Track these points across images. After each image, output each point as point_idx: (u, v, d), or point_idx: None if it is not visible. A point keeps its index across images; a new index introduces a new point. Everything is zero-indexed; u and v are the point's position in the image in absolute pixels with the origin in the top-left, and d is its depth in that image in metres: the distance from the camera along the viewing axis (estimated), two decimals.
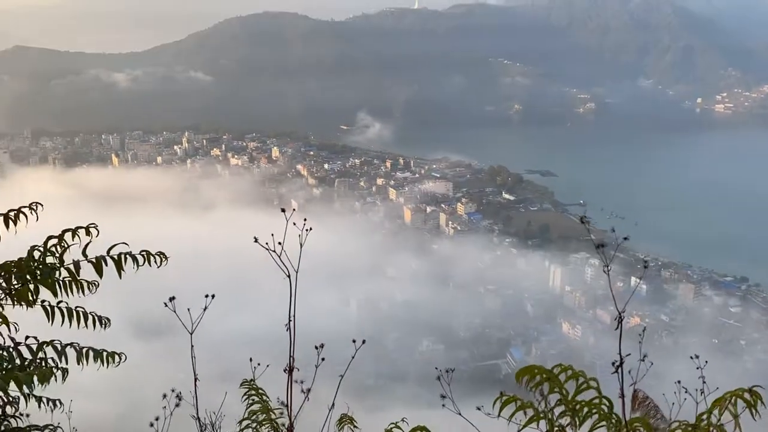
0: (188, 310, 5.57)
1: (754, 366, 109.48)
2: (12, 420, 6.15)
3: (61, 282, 5.93)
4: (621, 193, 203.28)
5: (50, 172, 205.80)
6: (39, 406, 6.23)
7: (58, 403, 6.48)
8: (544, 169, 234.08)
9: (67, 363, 6.07)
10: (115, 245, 5.95)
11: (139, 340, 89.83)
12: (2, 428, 6.06)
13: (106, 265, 5.90)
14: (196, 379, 5.69)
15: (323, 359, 5.51)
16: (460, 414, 5.07)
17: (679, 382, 5.17)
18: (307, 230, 5.65)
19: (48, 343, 6.01)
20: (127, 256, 5.95)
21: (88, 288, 6.00)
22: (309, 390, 5.45)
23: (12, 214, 6.10)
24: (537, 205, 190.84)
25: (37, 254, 5.93)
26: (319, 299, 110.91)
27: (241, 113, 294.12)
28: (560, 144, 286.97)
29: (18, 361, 5.90)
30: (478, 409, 4.82)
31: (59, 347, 6.05)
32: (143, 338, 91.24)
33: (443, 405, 5.17)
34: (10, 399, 6.08)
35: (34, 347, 5.99)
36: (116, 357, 6.26)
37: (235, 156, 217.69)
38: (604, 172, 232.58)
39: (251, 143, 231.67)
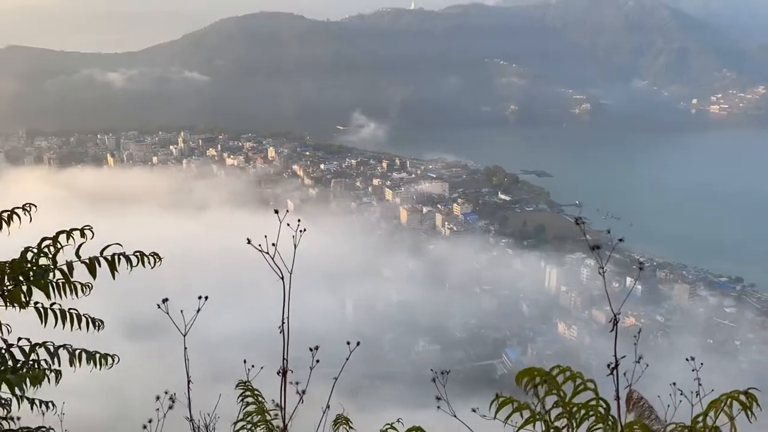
0: (181, 312, 5.54)
1: (749, 366, 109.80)
2: (4, 422, 6.10)
3: (54, 283, 5.90)
4: (616, 194, 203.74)
5: (45, 172, 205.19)
6: (31, 408, 6.19)
7: (50, 405, 6.44)
8: (540, 170, 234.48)
9: (59, 365, 6.04)
10: (108, 246, 5.91)
11: (132, 341, 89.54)
12: None
13: (99, 266, 5.87)
14: (189, 381, 5.66)
15: (318, 361, 5.49)
16: (455, 416, 5.06)
17: (674, 384, 5.16)
18: (301, 231, 5.63)
19: (41, 345, 5.98)
20: (121, 256, 5.92)
21: (82, 290, 5.96)
22: (304, 392, 5.43)
23: (5, 215, 6.06)
24: (533, 205, 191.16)
25: (30, 255, 5.89)
26: (315, 300, 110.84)
27: (237, 113, 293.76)
28: (556, 144, 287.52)
29: (10, 363, 5.86)
30: (474, 411, 4.80)
31: (52, 349, 6.01)
32: (136, 339, 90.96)
33: (438, 407, 5.16)
34: (2, 401, 6.03)
35: (27, 349, 5.95)
36: (109, 359, 6.23)
37: (231, 156, 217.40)
38: (599, 173, 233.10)
39: (247, 143, 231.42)
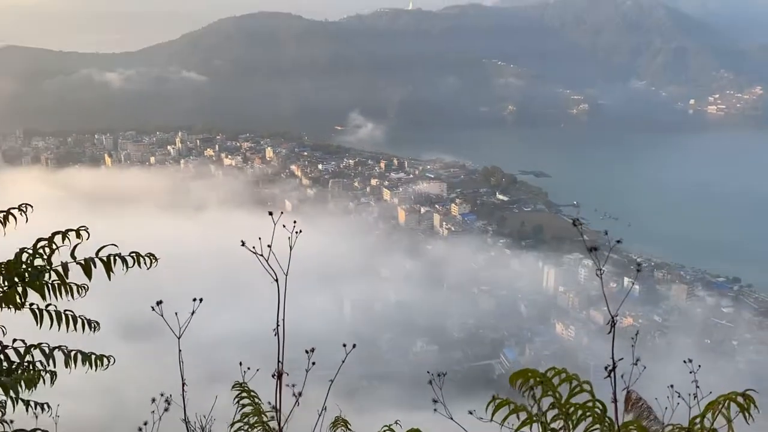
0: (176, 314, 5.52)
1: (746, 366, 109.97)
2: None
3: (49, 285, 5.86)
4: (614, 194, 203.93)
5: (42, 172, 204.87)
6: (27, 411, 6.15)
7: (46, 406, 6.41)
8: (538, 170, 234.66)
9: (55, 366, 6.00)
10: (104, 247, 5.89)
11: (128, 342, 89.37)
12: None
13: (95, 267, 5.84)
14: (183, 384, 5.63)
15: (314, 363, 5.47)
16: (451, 418, 5.04)
17: (672, 386, 5.15)
18: (297, 232, 5.60)
19: (36, 346, 5.94)
20: (117, 257, 5.89)
21: (77, 291, 5.93)
22: (300, 394, 5.41)
23: (1, 215, 6.03)
24: (531, 205, 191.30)
25: (25, 256, 5.86)
26: (313, 300, 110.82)
27: (235, 113, 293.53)
28: (554, 145, 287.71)
29: (5, 365, 5.83)
30: (470, 413, 4.78)
31: (47, 350, 5.98)
32: (132, 340, 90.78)
33: (435, 410, 5.14)
34: None
35: (22, 351, 5.92)
36: (105, 360, 6.20)
37: (229, 156, 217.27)
38: (597, 173, 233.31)
39: (245, 143, 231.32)
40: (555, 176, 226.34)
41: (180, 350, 5.56)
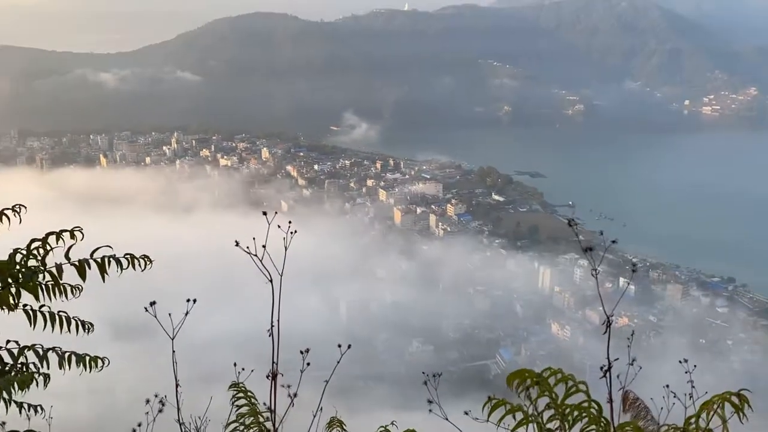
0: (169, 315, 5.50)
1: (741, 366, 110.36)
2: None
3: (43, 286, 5.83)
4: (609, 195, 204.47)
5: (37, 172, 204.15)
6: (20, 412, 6.12)
7: (39, 408, 6.37)
8: (534, 171, 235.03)
9: (49, 368, 5.97)
10: (98, 248, 5.86)
11: (122, 343, 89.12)
12: None
13: (89, 268, 5.81)
14: (177, 385, 5.61)
15: (308, 364, 5.45)
16: (447, 419, 5.03)
17: (667, 386, 5.15)
18: (292, 233, 5.59)
19: (29, 348, 5.91)
20: (111, 259, 5.86)
21: (71, 292, 5.90)
22: (295, 395, 5.39)
23: None
24: (526, 206, 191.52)
25: (19, 257, 5.83)
26: (308, 301, 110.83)
27: (231, 114, 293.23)
28: (549, 145, 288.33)
29: None
30: (466, 413, 4.78)
31: (41, 352, 5.95)
32: (126, 341, 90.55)
33: (430, 410, 5.13)
34: None
35: (15, 352, 5.89)
36: (99, 361, 6.17)
37: (225, 157, 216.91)
38: (592, 174, 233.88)
39: (240, 144, 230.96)
40: (550, 177, 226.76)
41: (174, 351, 5.54)
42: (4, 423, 5.63)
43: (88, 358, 6.14)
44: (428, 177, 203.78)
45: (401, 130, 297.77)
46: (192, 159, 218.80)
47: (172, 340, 5.47)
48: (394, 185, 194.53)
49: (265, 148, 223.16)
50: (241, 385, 6.19)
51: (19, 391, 5.66)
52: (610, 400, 4.83)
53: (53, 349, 6.03)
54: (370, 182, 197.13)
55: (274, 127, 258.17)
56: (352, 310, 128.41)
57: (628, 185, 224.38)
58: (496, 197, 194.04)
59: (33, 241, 5.84)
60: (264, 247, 5.31)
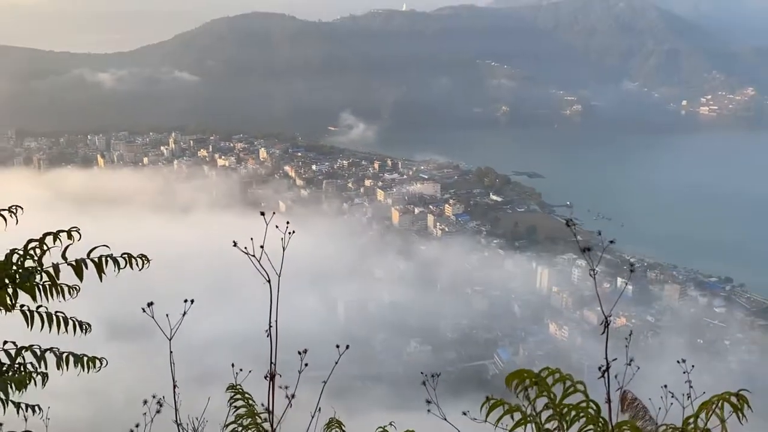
0: (167, 315, 5.49)
1: (738, 366, 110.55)
2: None
3: (40, 286, 5.82)
4: (607, 195, 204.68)
5: (34, 172, 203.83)
6: (17, 413, 6.10)
7: (37, 408, 6.36)
8: (531, 171, 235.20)
9: (46, 368, 5.96)
10: (95, 248, 5.84)
11: (120, 343, 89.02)
12: None
13: (86, 268, 5.79)
14: (175, 385, 5.60)
15: (306, 365, 5.45)
16: (445, 419, 5.03)
17: (665, 386, 5.16)
18: (290, 233, 5.58)
19: (27, 348, 5.90)
20: (108, 259, 5.85)
21: (69, 292, 5.89)
22: (293, 395, 5.38)
23: None
24: (524, 206, 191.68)
25: (16, 258, 5.81)
26: (306, 301, 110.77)
27: (229, 114, 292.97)
28: (547, 146, 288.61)
29: None
30: (464, 414, 4.78)
31: (38, 352, 5.93)
32: (124, 341, 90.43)
33: (428, 410, 5.13)
34: None
35: (13, 352, 5.87)
36: (97, 362, 6.15)
37: (222, 157, 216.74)
38: (590, 174, 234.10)
39: (238, 144, 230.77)
40: (548, 177, 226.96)
41: (171, 352, 5.53)
42: (1, 424, 5.62)
43: (86, 358, 6.13)
44: (426, 177, 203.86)
45: (399, 130, 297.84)
46: (190, 159, 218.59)
47: (170, 340, 5.47)
48: (392, 185, 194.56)
49: (262, 149, 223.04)
50: (238, 386, 6.18)
51: (17, 392, 5.64)
52: (608, 400, 4.83)
53: (51, 349, 6.01)
54: (368, 182, 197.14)
55: (271, 128, 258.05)
56: (350, 310, 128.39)
57: (626, 185, 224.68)
58: (494, 197, 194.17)
59: (30, 241, 5.83)
60: (262, 247, 5.31)
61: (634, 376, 5.05)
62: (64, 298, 5.87)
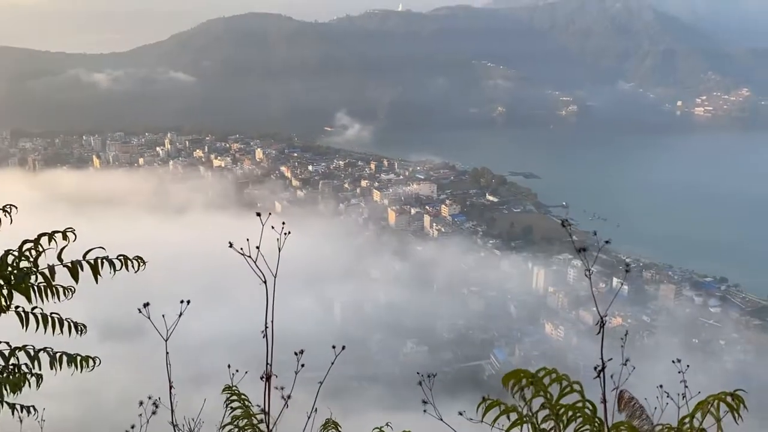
0: (163, 316, 5.47)
1: (733, 366, 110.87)
2: None
3: (35, 287, 5.79)
4: (603, 195, 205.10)
5: (29, 173, 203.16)
6: (12, 414, 6.08)
7: (32, 409, 6.33)
8: (527, 171, 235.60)
9: (40, 368, 5.93)
10: (91, 249, 5.82)
11: (115, 344, 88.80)
12: None
13: (82, 269, 5.77)
14: (171, 386, 5.59)
15: (303, 365, 5.44)
16: (441, 419, 5.03)
17: (661, 386, 5.17)
18: (285, 234, 5.58)
19: (20, 349, 5.87)
20: (104, 260, 5.83)
21: (64, 294, 5.87)
22: (289, 396, 5.37)
23: None
24: (520, 206, 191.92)
25: (11, 259, 5.79)
26: (302, 302, 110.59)
27: (225, 114, 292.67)
28: (543, 146, 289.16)
29: None
30: (461, 414, 4.78)
31: (32, 353, 5.90)
32: (119, 342, 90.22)
33: (425, 411, 5.13)
34: None
35: (7, 353, 5.85)
36: (90, 361, 6.13)
37: (218, 157, 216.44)
38: (586, 174, 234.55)
39: (234, 144, 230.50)
40: (544, 177, 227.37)
41: (167, 352, 5.51)
42: None
43: (79, 358, 6.10)
44: (422, 178, 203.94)
45: (395, 130, 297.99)
46: (185, 160, 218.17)
47: (166, 341, 5.45)
48: (389, 186, 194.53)
49: (258, 149, 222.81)
50: (234, 387, 6.16)
51: (11, 393, 5.62)
52: (604, 400, 4.83)
53: (44, 349, 5.99)
54: (364, 183, 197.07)
55: (268, 128, 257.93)
56: (346, 310, 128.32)
57: (622, 186, 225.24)
58: (490, 198, 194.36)
59: (25, 242, 5.80)
60: (258, 248, 5.30)
61: (629, 376, 5.06)
62: (59, 300, 5.85)
